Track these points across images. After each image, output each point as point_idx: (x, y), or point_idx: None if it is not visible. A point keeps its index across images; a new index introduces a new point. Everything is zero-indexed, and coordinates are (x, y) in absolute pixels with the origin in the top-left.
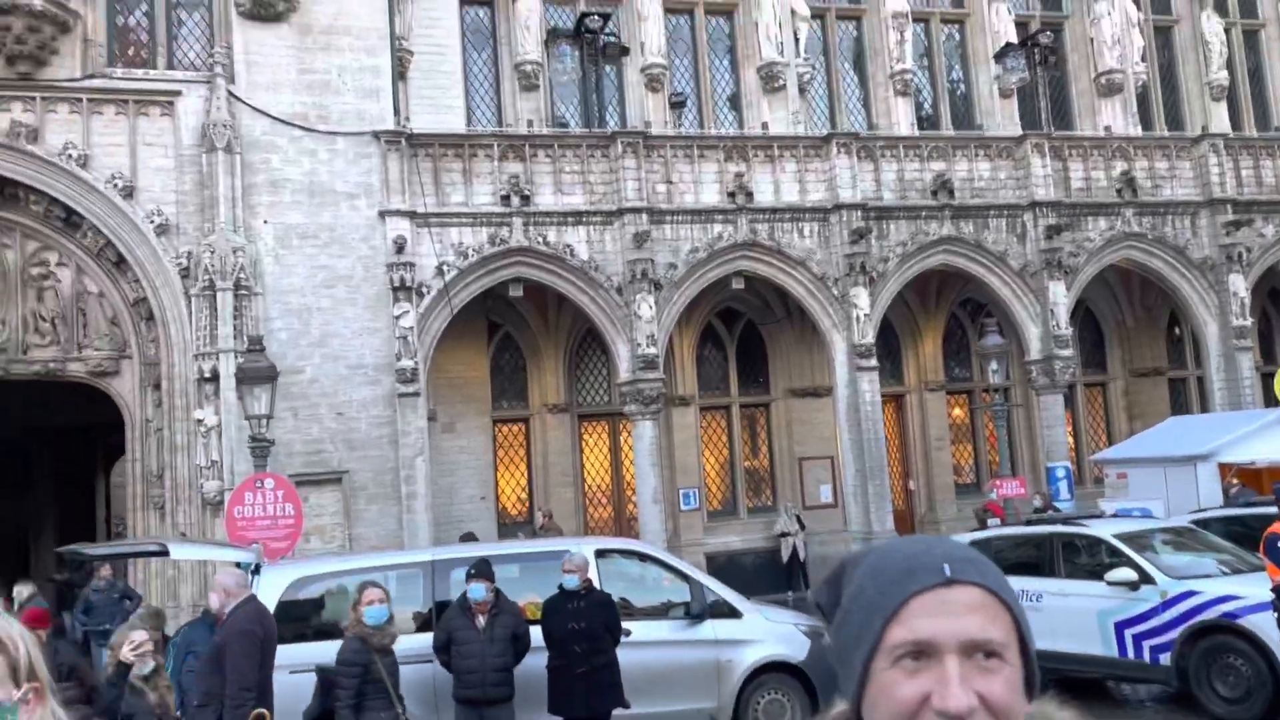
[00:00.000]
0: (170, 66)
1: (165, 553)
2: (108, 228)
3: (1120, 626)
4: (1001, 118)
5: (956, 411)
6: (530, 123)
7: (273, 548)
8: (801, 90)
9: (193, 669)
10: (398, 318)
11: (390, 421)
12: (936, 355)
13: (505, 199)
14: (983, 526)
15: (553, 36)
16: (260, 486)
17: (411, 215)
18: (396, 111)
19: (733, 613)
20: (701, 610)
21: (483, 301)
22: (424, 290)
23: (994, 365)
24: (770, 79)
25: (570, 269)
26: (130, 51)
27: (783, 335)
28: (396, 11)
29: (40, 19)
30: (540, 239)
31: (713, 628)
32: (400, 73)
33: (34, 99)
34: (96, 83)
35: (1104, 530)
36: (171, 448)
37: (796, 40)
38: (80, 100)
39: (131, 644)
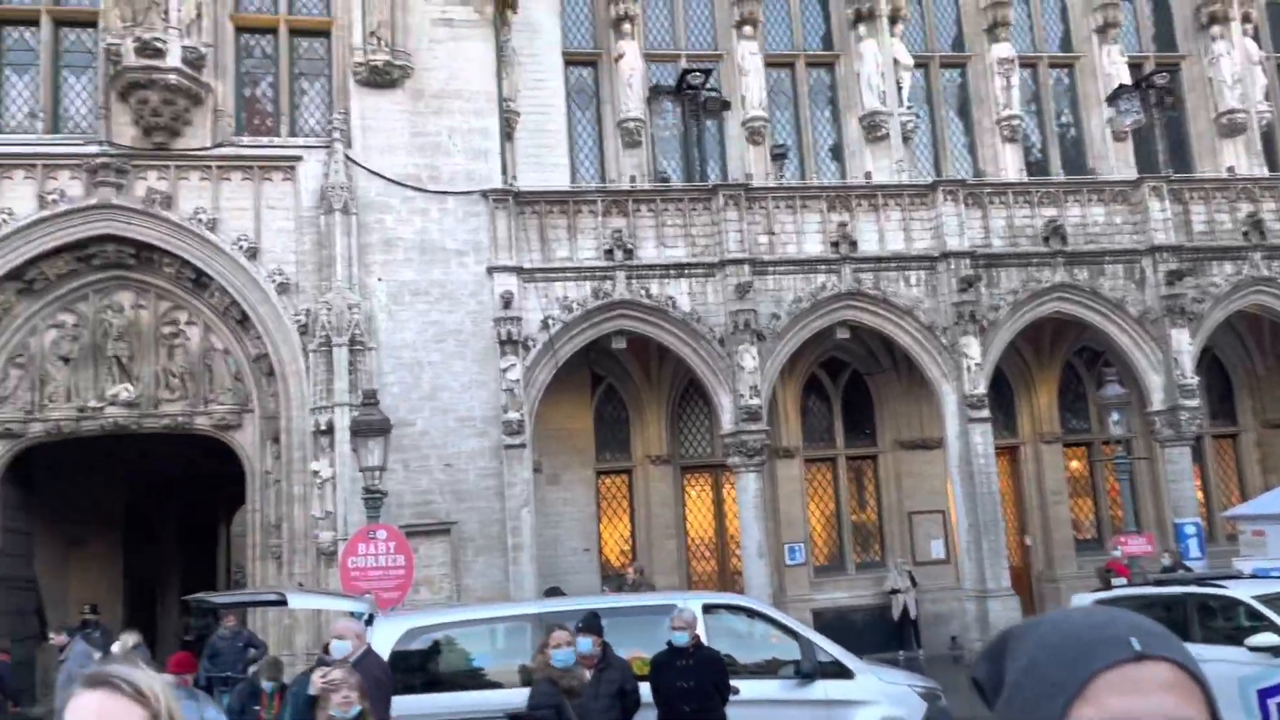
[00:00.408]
0: (292, 133)
1: (284, 602)
2: (233, 287)
3: (1264, 695)
4: (1115, 161)
5: (1074, 464)
6: (633, 178)
7: (384, 598)
8: (905, 139)
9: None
10: (504, 371)
11: (497, 473)
12: (1052, 406)
13: (608, 253)
14: (1106, 586)
15: (655, 93)
16: (373, 537)
17: (518, 271)
18: (504, 170)
19: (844, 672)
20: (812, 669)
21: (586, 354)
22: (530, 344)
23: (1115, 416)
24: (873, 128)
25: (672, 321)
26: (256, 120)
27: (890, 386)
28: (504, 75)
29: (175, 92)
30: (643, 292)
31: (824, 688)
32: (508, 133)
33: (169, 167)
34: (225, 150)
35: (1243, 591)
36: (289, 499)
37: (899, 89)
38: (210, 167)
39: (323, 675)
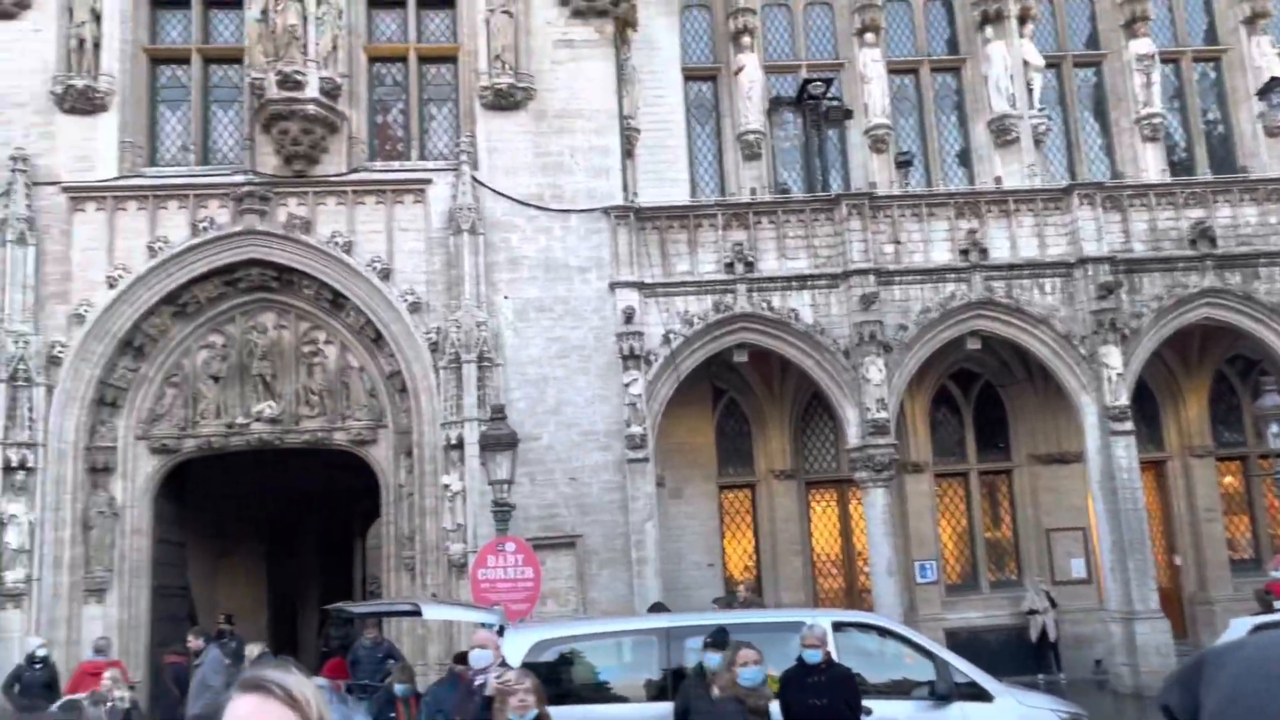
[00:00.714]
0: (422, 157)
1: (418, 612)
2: (367, 307)
3: None
4: (1268, 158)
5: (1228, 479)
6: (753, 190)
7: (513, 609)
8: (1037, 142)
9: None
10: (627, 385)
11: (620, 487)
12: (1202, 418)
13: (729, 266)
14: (1266, 609)
15: (775, 105)
16: (502, 550)
17: (639, 286)
18: (625, 187)
19: (982, 695)
20: (948, 691)
21: (707, 368)
22: (651, 358)
23: (1275, 428)
24: (1002, 132)
25: (795, 333)
26: (388, 146)
27: (1024, 397)
28: (624, 92)
29: (313, 121)
30: (764, 304)
31: (961, 710)
32: (628, 150)
33: (307, 193)
34: (359, 176)
35: None
36: (421, 511)
37: (1029, 91)
38: (346, 192)
39: (499, 676)
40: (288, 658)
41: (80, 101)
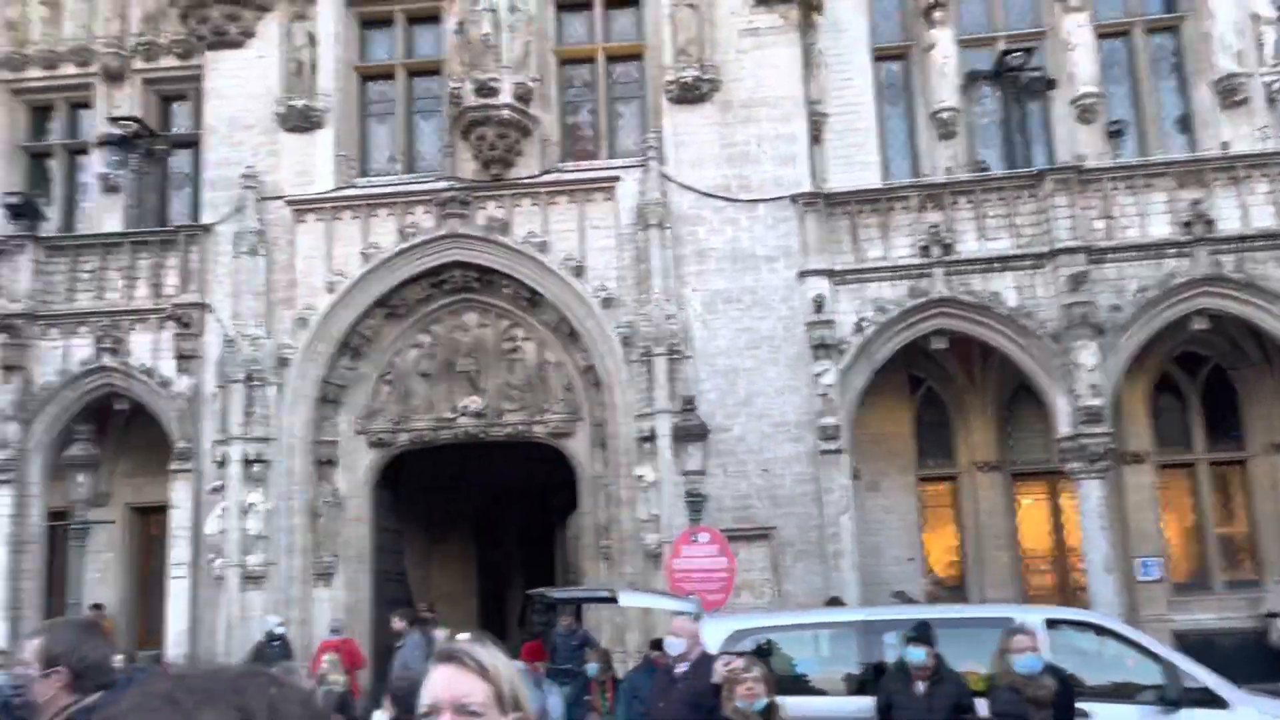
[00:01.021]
0: (611, 155)
1: (615, 599)
2: (562, 304)
3: None
4: None
5: None
6: (949, 170)
7: (708, 599)
8: (1271, 101)
9: (640, 713)
10: (818, 375)
11: (813, 479)
12: None
13: (924, 249)
14: None
15: (970, 80)
16: (695, 540)
17: (829, 274)
18: (812, 174)
19: (1217, 702)
20: (1178, 696)
21: (903, 356)
22: (843, 347)
23: None
24: (1229, 93)
25: (997, 318)
26: (578, 146)
27: (1260, 382)
28: (810, 78)
29: (507, 126)
30: (963, 288)
31: (1192, 718)
32: (815, 136)
33: (504, 196)
34: (551, 177)
35: None
36: (617, 502)
37: (1260, 46)
38: (539, 193)
39: (726, 663)
40: (485, 634)
41: (300, 120)
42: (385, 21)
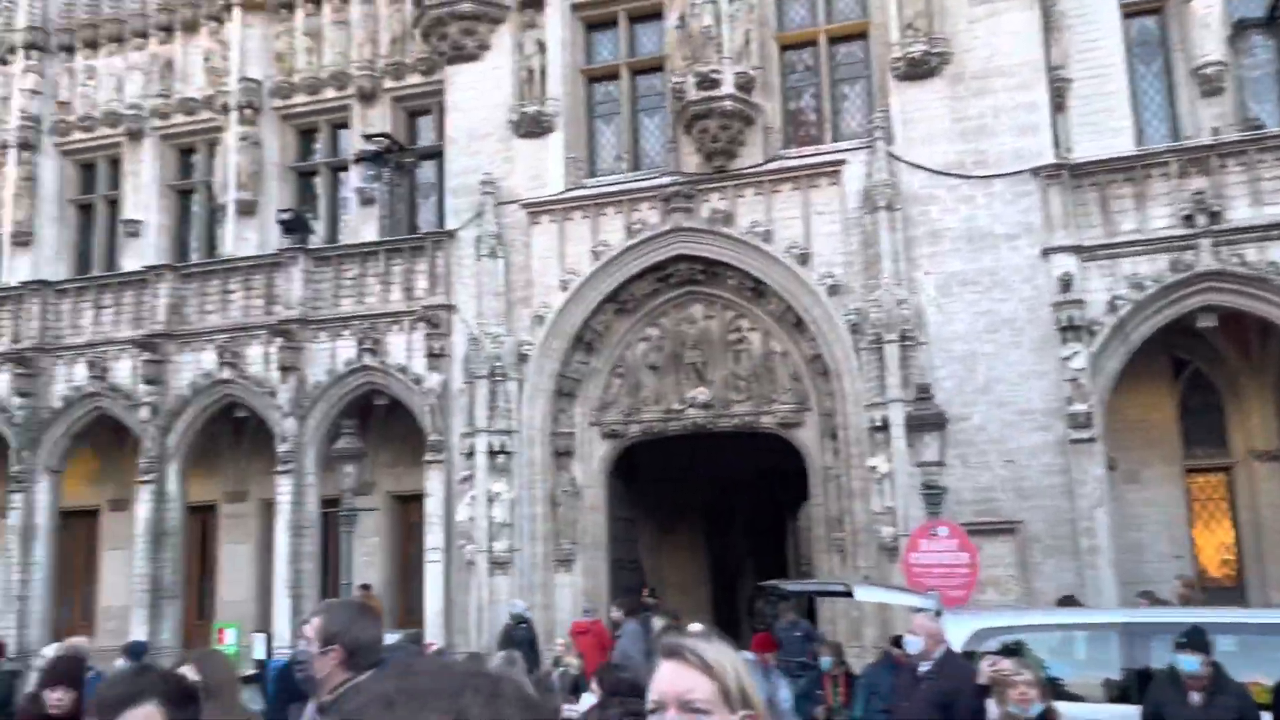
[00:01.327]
0: (835, 139)
1: (850, 593)
2: (787, 293)
3: None
4: None
5: None
6: (1215, 130)
7: (949, 596)
8: None
9: (880, 710)
10: (1066, 359)
11: (1063, 470)
12: None
13: (1187, 219)
14: None
15: (1239, 29)
16: (934, 534)
17: (1077, 250)
18: (1055, 144)
19: None
20: None
21: (1163, 336)
22: (1094, 329)
23: None
24: None
25: (1276, 291)
26: (800, 131)
27: None
28: (1050, 42)
29: (729, 117)
30: (1235, 259)
31: None
32: (1057, 103)
33: (727, 187)
34: (774, 165)
35: None
36: (849, 493)
37: None
38: (762, 182)
39: (992, 664)
40: (706, 628)
41: (532, 126)
42: (609, 23)
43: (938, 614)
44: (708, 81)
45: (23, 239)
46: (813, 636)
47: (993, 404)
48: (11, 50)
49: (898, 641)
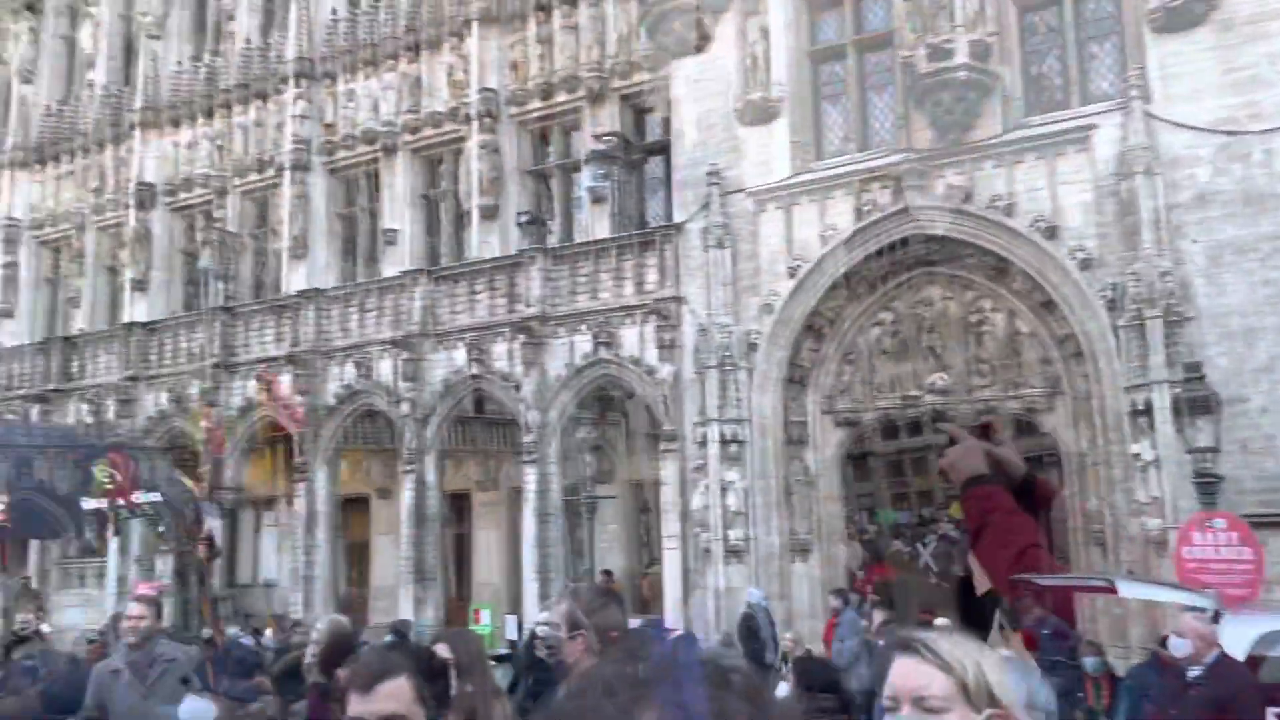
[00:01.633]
0: (1083, 103)
1: (1114, 589)
2: (1033, 270)
3: None
4: None
5: None
6: None
7: (1229, 594)
8: None
9: (1150, 714)
10: None
11: None
12: None
13: None
14: None
15: None
16: (1210, 526)
17: None
18: None
19: None
20: None
21: None
22: None
23: None
24: None
25: None
26: (1044, 97)
27: None
28: None
29: (965, 88)
30: None
31: None
32: None
33: (962, 161)
34: (1014, 135)
35: None
36: (1108, 482)
37: None
38: (1002, 154)
39: None
40: (946, 624)
41: (756, 113)
42: (834, 2)
43: (1217, 614)
44: (940, 52)
45: (299, 252)
46: (1063, 633)
47: (1277, 384)
48: (284, 80)
49: (1165, 642)
